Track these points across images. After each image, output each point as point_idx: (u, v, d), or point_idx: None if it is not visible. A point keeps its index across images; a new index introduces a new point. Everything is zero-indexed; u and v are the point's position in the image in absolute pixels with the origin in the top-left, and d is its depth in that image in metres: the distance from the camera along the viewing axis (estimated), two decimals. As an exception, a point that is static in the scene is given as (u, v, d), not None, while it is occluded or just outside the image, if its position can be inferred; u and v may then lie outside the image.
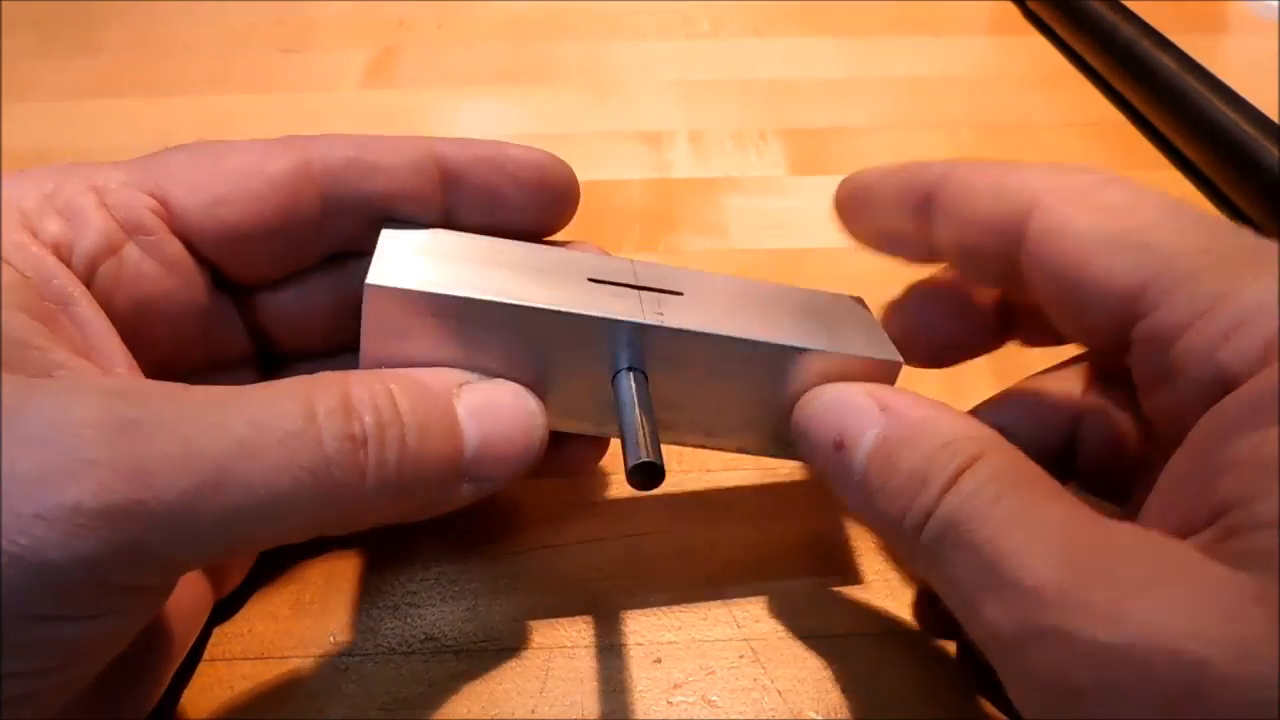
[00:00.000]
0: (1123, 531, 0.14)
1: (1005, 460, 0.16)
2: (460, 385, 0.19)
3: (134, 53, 0.50)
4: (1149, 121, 0.44)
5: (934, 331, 0.23)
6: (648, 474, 0.18)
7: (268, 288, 0.22)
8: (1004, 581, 0.14)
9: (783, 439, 0.22)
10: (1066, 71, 0.49)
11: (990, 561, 0.15)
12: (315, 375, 0.17)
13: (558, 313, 0.19)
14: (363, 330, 0.19)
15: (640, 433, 0.19)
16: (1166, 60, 0.43)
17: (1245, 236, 0.17)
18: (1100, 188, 0.18)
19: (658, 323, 0.20)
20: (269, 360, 0.24)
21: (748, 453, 0.23)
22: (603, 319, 0.20)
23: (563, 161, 0.23)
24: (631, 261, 0.23)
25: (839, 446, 0.19)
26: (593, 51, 0.51)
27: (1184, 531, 0.14)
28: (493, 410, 0.19)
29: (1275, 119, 0.38)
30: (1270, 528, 0.13)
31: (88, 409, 0.15)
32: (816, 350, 0.21)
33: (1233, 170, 0.38)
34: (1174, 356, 0.16)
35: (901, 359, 0.22)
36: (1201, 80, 0.41)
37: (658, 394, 0.21)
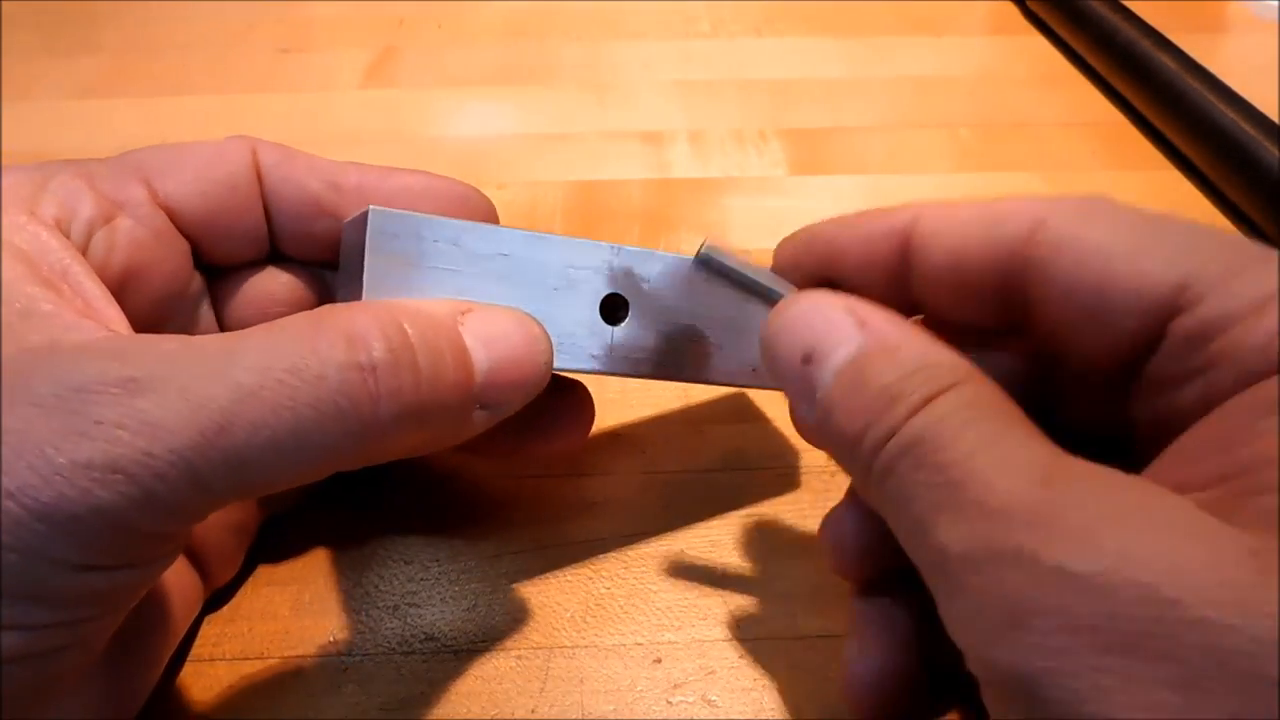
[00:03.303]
0: (1106, 471, 0.14)
1: (983, 390, 0.16)
2: (463, 313, 0.19)
3: (134, 53, 0.50)
4: (1149, 121, 0.44)
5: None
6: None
7: (232, 276, 0.23)
8: (967, 501, 0.14)
9: (747, 366, 0.24)
10: (1066, 71, 0.49)
11: (956, 481, 0.14)
12: (318, 310, 0.18)
13: (556, 238, 0.21)
14: (366, 261, 0.19)
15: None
16: (1166, 60, 0.43)
17: (1265, 247, 0.17)
18: (1104, 206, 0.18)
19: (633, 247, 0.22)
20: None
21: (717, 383, 0.24)
22: (596, 244, 0.22)
23: (481, 193, 0.23)
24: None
25: (807, 360, 0.18)
26: (593, 51, 0.51)
27: (1185, 490, 0.14)
28: (498, 334, 0.19)
29: (1275, 119, 0.38)
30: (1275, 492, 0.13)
31: (90, 372, 0.15)
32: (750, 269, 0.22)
33: (1233, 170, 0.38)
34: (1218, 349, 0.16)
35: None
36: (1201, 80, 0.41)
37: (633, 336, 0.22)
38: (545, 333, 0.20)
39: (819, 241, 0.21)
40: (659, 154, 0.42)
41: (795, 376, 0.18)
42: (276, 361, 0.16)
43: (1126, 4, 0.48)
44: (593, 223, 0.37)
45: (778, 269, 0.22)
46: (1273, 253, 0.16)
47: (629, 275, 0.22)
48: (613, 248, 0.22)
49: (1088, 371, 0.18)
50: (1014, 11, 0.56)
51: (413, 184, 0.23)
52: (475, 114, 0.45)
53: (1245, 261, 0.16)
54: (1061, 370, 0.19)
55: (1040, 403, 0.20)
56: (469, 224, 0.20)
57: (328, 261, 0.23)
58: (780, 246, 0.22)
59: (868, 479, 0.16)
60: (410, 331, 0.18)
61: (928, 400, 0.15)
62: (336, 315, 0.17)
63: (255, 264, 0.24)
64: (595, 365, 0.22)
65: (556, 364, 0.21)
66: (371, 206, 0.19)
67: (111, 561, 0.16)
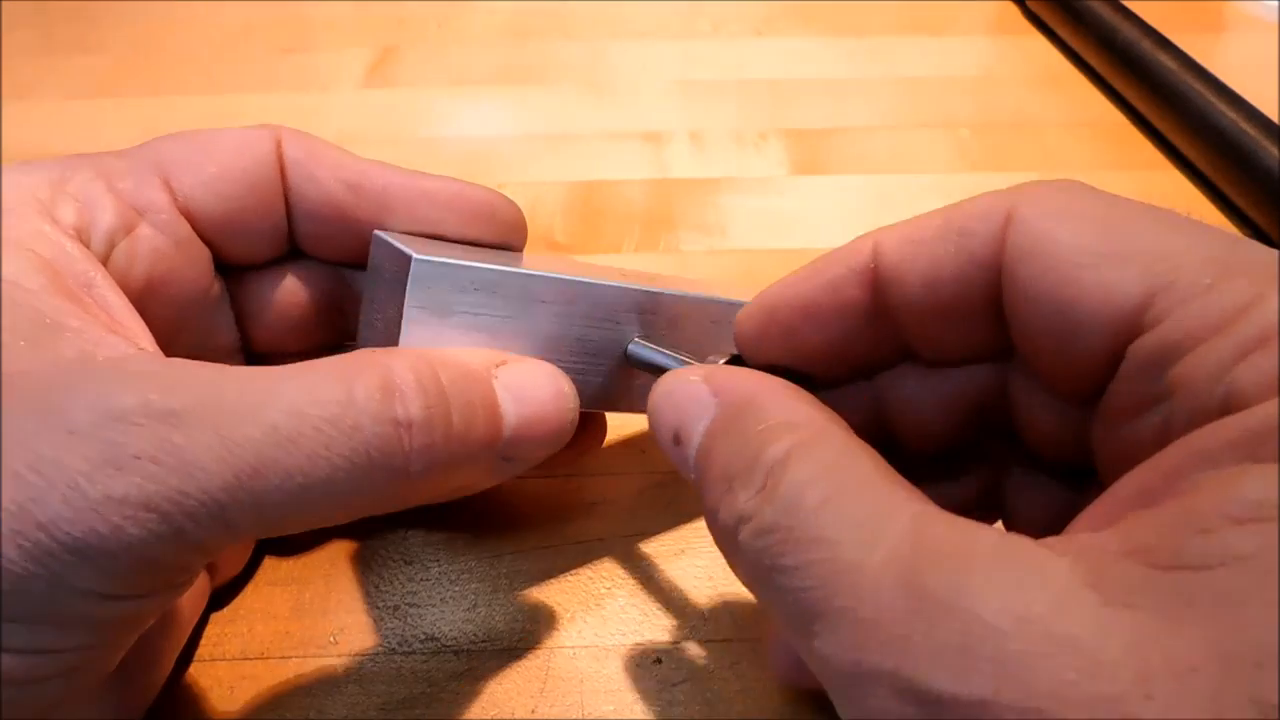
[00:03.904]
0: (973, 536, 0.12)
1: (832, 452, 0.14)
2: (498, 365, 0.19)
3: (134, 53, 0.50)
4: (1149, 121, 0.44)
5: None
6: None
7: (252, 274, 0.23)
8: (836, 610, 0.12)
9: None
10: (1066, 71, 0.49)
11: (822, 581, 0.13)
12: (355, 354, 0.18)
13: (593, 284, 0.21)
14: (405, 308, 0.19)
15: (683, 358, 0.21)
16: (1166, 60, 0.43)
17: (1251, 245, 0.15)
18: (1074, 195, 0.16)
19: (668, 290, 0.22)
20: (250, 357, 0.24)
21: None
22: (625, 287, 0.22)
23: (509, 200, 0.23)
24: (606, 266, 0.24)
25: (677, 441, 0.17)
26: (593, 51, 0.51)
27: (1104, 549, 0.12)
28: (529, 389, 0.19)
29: (1275, 119, 0.38)
30: (1213, 569, 0.11)
31: (128, 401, 0.15)
32: None
33: (1233, 170, 0.38)
34: (1175, 376, 0.14)
35: None
36: (1201, 80, 0.41)
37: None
38: (573, 390, 0.20)
39: (780, 309, 0.18)
40: (659, 154, 0.42)
41: (674, 460, 0.17)
42: (313, 408, 0.16)
43: (1126, 4, 0.48)
44: (593, 223, 0.37)
45: (742, 348, 0.19)
46: (1268, 255, 0.14)
47: (660, 317, 0.22)
48: (646, 292, 0.22)
49: (1065, 394, 0.16)
50: (1014, 11, 0.56)
51: (438, 191, 0.22)
52: (475, 114, 0.45)
53: (1221, 271, 0.14)
54: (1039, 392, 0.17)
55: (1009, 426, 0.18)
56: (505, 270, 0.20)
57: (347, 262, 0.23)
58: (739, 324, 0.19)
59: (735, 565, 0.15)
60: (446, 383, 0.18)
61: (769, 475, 0.14)
62: (373, 360, 0.17)
63: (274, 262, 0.23)
64: (621, 406, 0.23)
65: (582, 405, 0.21)
66: (415, 256, 0.19)
67: (134, 591, 0.16)
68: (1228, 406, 0.13)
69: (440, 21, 0.54)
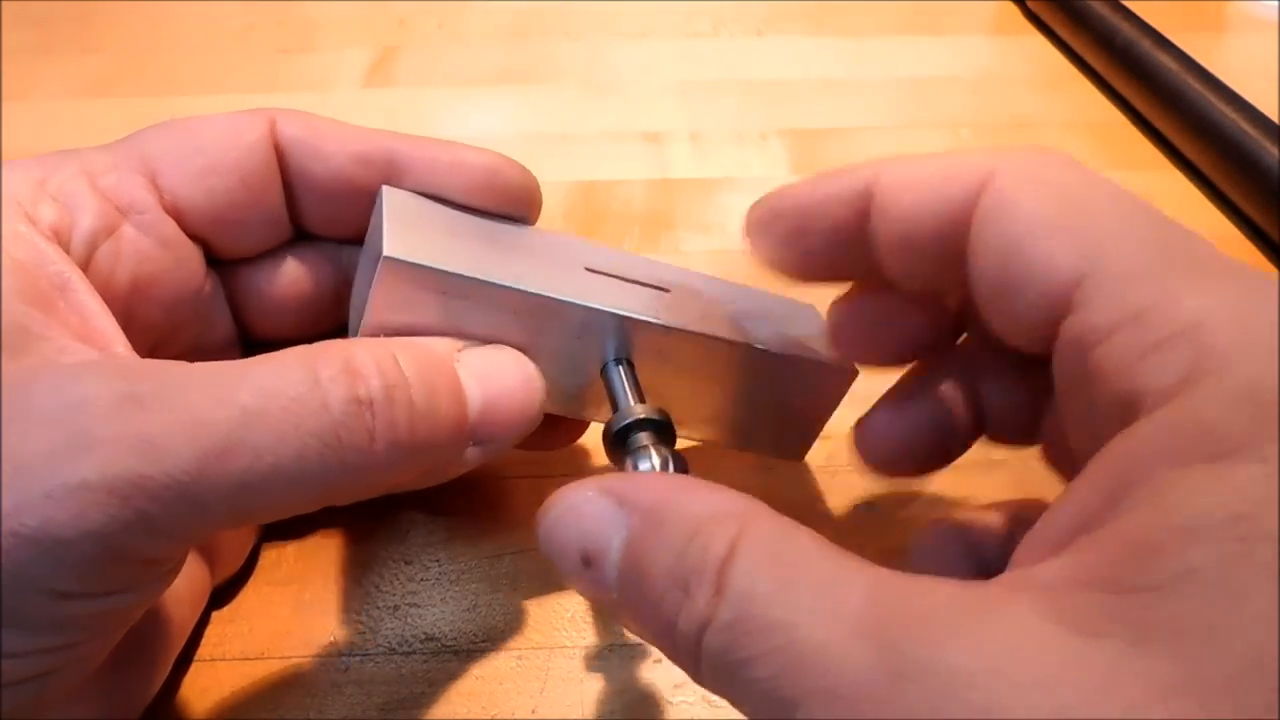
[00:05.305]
0: (935, 596, 0.12)
1: (769, 535, 0.14)
2: (459, 349, 0.19)
3: (134, 53, 0.50)
4: (1149, 121, 0.44)
5: (883, 329, 0.21)
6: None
7: (248, 265, 0.23)
8: (820, 691, 0.12)
9: (742, 433, 0.24)
10: (1066, 71, 0.49)
11: (796, 666, 0.12)
12: (317, 344, 0.17)
13: (566, 303, 0.20)
14: (370, 297, 0.19)
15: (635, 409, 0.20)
16: (1166, 60, 0.43)
17: (1194, 240, 0.15)
18: (1053, 166, 0.16)
19: (655, 319, 0.21)
20: (249, 349, 0.24)
21: (709, 443, 0.24)
22: (606, 311, 0.21)
23: (518, 165, 0.22)
24: (619, 252, 0.23)
25: (588, 563, 0.15)
26: (593, 51, 0.51)
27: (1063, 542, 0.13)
28: (493, 372, 0.19)
29: (1275, 119, 0.38)
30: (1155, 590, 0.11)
31: (92, 386, 0.15)
32: (785, 355, 0.22)
33: (1233, 170, 0.38)
34: (1092, 363, 0.14)
35: (856, 369, 0.23)
36: (1201, 80, 0.41)
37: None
38: (539, 372, 0.20)
39: (786, 206, 0.20)
40: (659, 154, 0.42)
41: (585, 585, 0.16)
42: (283, 387, 0.16)
43: (1126, 4, 0.48)
44: (593, 223, 0.37)
45: (750, 234, 0.21)
46: (1208, 250, 0.14)
47: (638, 345, 0.21)
48: (631, 320, 0.21)
49: (1014, 348, 0.17)
50: (1014, 11, 0.56)
51: (440, 157, 0.21)
52: (475, 114, 0.45)
53: (1152, 260, 0.14)
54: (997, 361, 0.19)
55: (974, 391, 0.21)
56: (483, 282, 0.19)
57: (358, 239, 0.22)
58: (750, 212, 0.20)
59: (699, 672, 0.14)
60: (406, 365, 0.17)
61: (719, 574, 0.13)
62: (335, 347, 0.17)
63: (272, 250, 0.23)
64: (589, 415, 0.23)
65: (554, 408, 0.21)
66: (385, 254, 0.19)
67: (101, 588, 0.15)
68: (1132, 402, 0.13)
69: (440, 21, 0.54)
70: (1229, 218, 0.38)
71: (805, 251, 0.20)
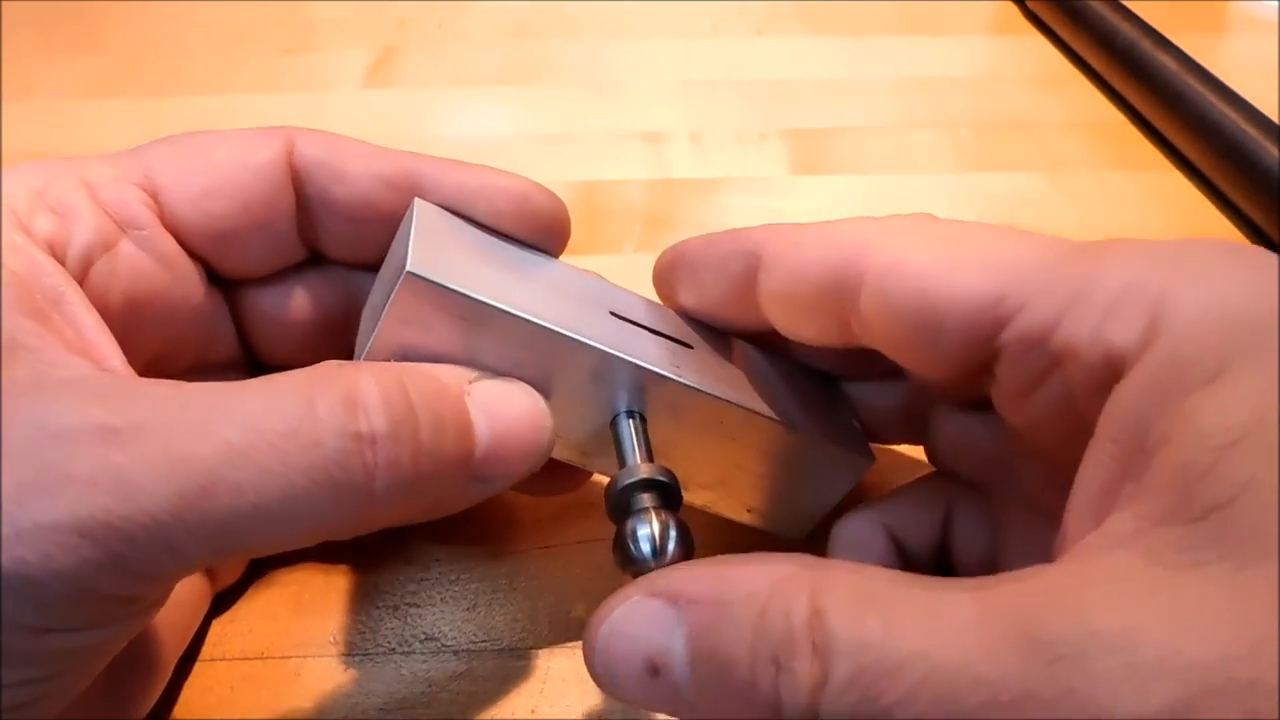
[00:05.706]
0: (1037, 588, 0.13)
1: (848, 584, 0.13)
2: (471, 381, 0.18)
3: (134, 53, 0.50)
4: (1149, 121, 0.44)
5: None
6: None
7: (254, 286, 0.22)
8: (979, 707, 0.12)
9: (745, 504, 0.23)
10: (1066, 71, 0.49)
11: (946, 695, 0.12)
12: (318, 366, 0.16)
13: (588, 345, 0.19)
14: (386, 312, 0.18)
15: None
16: (1166, 60, 0.43)
17: (1079, 243, 0.17)
18: (925, 223, 0.18)
19: (675, 376, 0.20)
20: (255, 369, 0.24)
21: (710, 510, 0.23)
22: (627, 360, 0.20)
23: (548, 191, 0.21)
24: (644, 300, 0.23)
25: (654, 672, 0.14)
26: (593, 51, 0.51)
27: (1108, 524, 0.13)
28: (504, 407, 0.18)
29: (1275, 119, 0.38)
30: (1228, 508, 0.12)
31: (67, 418, 0.14)
32: (804, 434, 0.22)
33: (1233, 170, 0.38)
34: (1054, 348, 0.15)
35: (873, 458, 0.23)
36: (1201, 80, 0.41)
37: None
38: (548, 410, 0.19)
39: (684, 258, 0.22)
40: (659, 154, 0.42)
41: (655, 697, 0.15)
42: (271, 422, 0.15)
43: (1126, 4, 0.48)
44: (593, 223, 0.37)
45: (656, 278, 0.23)
46: (1092, 244, 0.16)
47: (653, 400, 0.20)
48: (650, 372, 0.20)
49: (934, 384, 0.19)
50: (1014, 11, 0.56)
51: (469, 181, 0.21)
52: (475, 114, 0.45)
53: (1058, 259, 0.16)
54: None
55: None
56: (506, 313, 0.18)
57: (373, 264, 0.21)
58: (658, 260, 0.23)
59: None
60: (415, 397, 0.16)
61: (812, 643, 0.13)
62: (338, 374, 0.16)
63: (282, 271, 0.22)
64: (593, 465, 0.22)
65: (560, 455, 0.20)
66: (408, 270, 0.18)
67: (73, 624, 0.15)
68: (1112, 363, 0.14)
69: (441, 21, 0.54)
70: (1229, 218, 0.38)
71: (700, 300, 0.22)
